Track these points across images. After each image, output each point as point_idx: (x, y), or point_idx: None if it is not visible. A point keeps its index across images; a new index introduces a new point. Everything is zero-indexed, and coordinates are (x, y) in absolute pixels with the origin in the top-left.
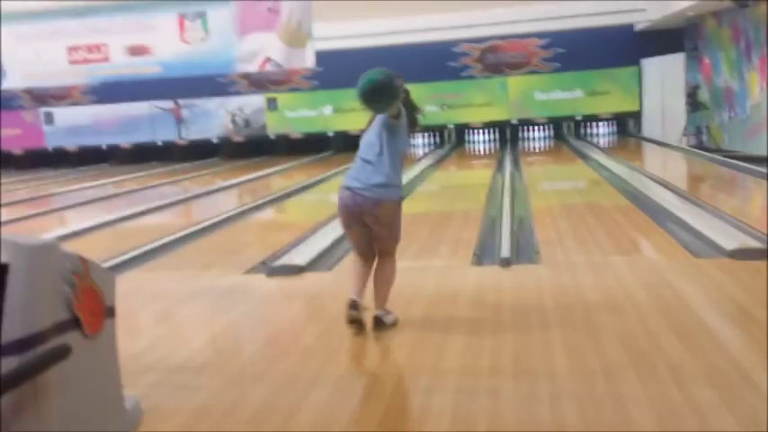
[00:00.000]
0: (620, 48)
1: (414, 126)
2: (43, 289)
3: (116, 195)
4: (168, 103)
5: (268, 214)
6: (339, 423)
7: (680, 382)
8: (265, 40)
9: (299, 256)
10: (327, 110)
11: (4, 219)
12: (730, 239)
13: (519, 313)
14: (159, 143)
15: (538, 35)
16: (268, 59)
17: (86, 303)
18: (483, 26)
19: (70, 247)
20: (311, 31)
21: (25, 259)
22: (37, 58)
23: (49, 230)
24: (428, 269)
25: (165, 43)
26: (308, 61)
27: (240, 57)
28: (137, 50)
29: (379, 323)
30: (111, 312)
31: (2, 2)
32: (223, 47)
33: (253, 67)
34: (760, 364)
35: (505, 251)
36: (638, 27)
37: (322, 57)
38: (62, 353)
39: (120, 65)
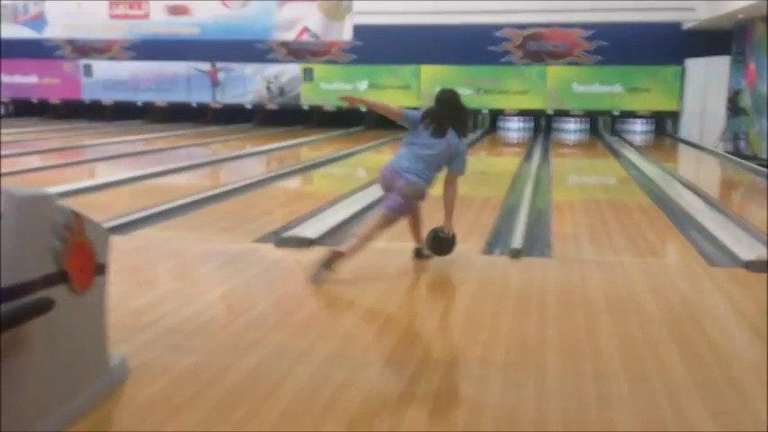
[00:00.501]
0: (666, 45)
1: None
2: (32, 240)
3: (145, 152)
4: (206, 65)
5: (291, 184)
6: (321, 399)
7: (670, 391)
8: (305, 9)
9: (311, 229)
10: (363, 85)
11: (33, 166)
12: (749, 251)
13: (519, 306)
14: (194, 104)
15: (583, 26)
16: (306, 29)
17: (76, 258)
18: (527, 12)
19: (93, 199)
20: (351, 4)
21: (16, 209)
22: (78, 9)
23: (74, 181)
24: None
25: (206, 5)
26: (346, 34)
27: (278, 24)
28: (177, 10)
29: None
30: (102, 269)
31: None
32: (262, 13)
33: (290, 36)
34: (757, 383)
35: (517, 242)
36: (686, 26)
37: (362, 31)
38: (45, 306)
39: (159, 23)
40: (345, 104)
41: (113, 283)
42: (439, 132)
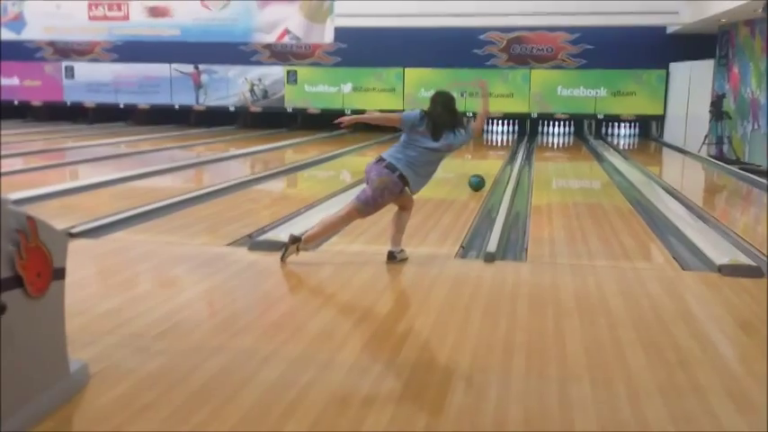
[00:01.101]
0: (650, 49)
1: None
2: None
3: (128, 155)
4: (189, 68)
5: (273, 187)
6: (284, 401)
7: (633, 395)
8: (286, 11)
9: (285, 232)
10: (347, 87)
11: (15, 168)
12: (723, 255)
13: (489, 310)
14: (176, 107)
15: (567, 29)
16: (287, 31)
17: (31, 263)
18: (512, 16)
19: (75, 201)
20: (333, 6)
21: None
22: (57, 10)
23: (56, 183)
24: (410, 257)
25: (186, 7)
26: (328, 37)
27: (259, 27)
28: (157, 12)
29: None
30: (60, 274)
31: None
32: (243, 15)
33: (271, 38)
34: (721, 387)
35: (492, 246)
36: (670, 30)
37: (346, 33)
38: None
39: (139, 25)
40: (343, 125)
41: (84, 287)
42: (437, 134)
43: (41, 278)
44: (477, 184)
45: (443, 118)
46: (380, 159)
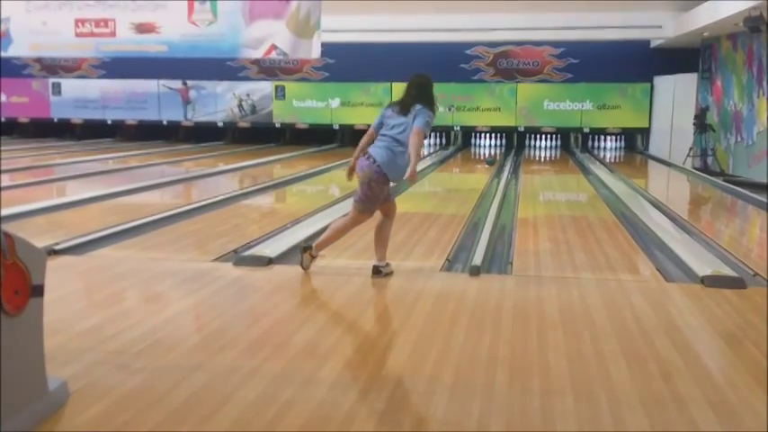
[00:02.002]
0: (634, 63)
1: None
2: None
3: (116, 171)
4: (177, 83)
5: (261, 201)
6: (264, 419)
7: (615, 407)
8: (273, 27)
9: (271, 248)
10: (335, 102)
11: (1, 185)
12: (706, 266)
13: (473, 324)
14: (165, 122)
15: (552, 44)
16: (274, 47)
17: (9, 280)
18: (498, 30)
19: (62, 217)
20: (320, 22)
21: None
22: (44, 27)
23: (41, 200)
24: (395, 271)
25: (173, 23)
26: (315, 52)
27: (246, 42)
28: (144, 28)
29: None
30: (38, 291)
31: None
32: (230, 31)
33: (258, 54)
34: (702, 398)
35: (477, 259)
36: (654, 44)
37: (334, 49)
38: None
39: (126, 41)
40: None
41: (67, 304)
42: (404, 111)
43: (19, 296)
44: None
45: (412, 95)
46: (366, 155)
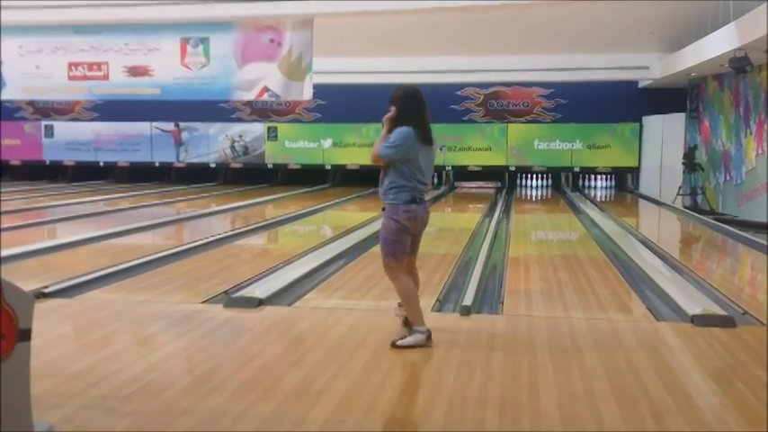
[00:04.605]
0: (623, 103)
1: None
2: None
3: (107, 213)
4: (169, 125)
5: (253, 242)
6: None
7: None
8: (265, 70)
9: (261, 289)
10: (327, 143)
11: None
12: (696, 305)
13: (463, 364)
14: (157, 164)
15: (542, 85)
16: (266, 89)
17: None
18: (487, 72)
19: (53, 259)
20: (311, 64)
21: None
22: (37, 71)
23: (32, 242)
24: (386, 312)
25: (166, 66)
26: (306, 94)
27: (238, 85)
28: (137, 71)
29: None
30: (25, 335)
31: (6, 13)
32: (222, 74)
33: (250, 96)
34: None
35: (468, 299)
36: (642, 84)
37: (325, 90)
38: None
39: (119, 84)
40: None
41: (55, 347)
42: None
43: (6, 340)
44: None
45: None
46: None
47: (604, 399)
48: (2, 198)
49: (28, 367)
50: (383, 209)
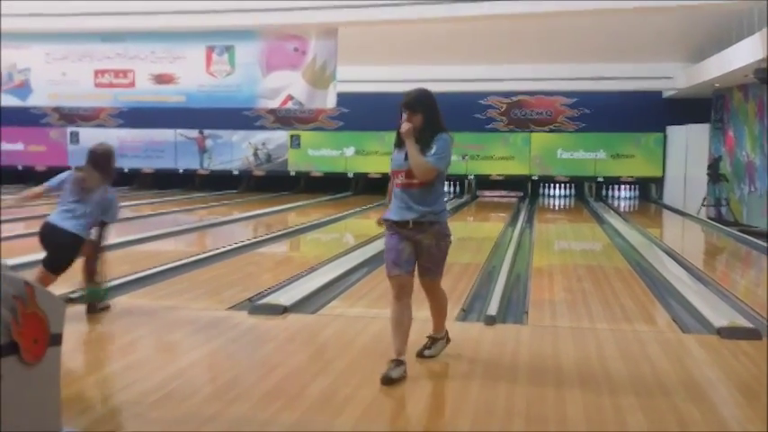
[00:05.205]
0: (647, 113)
1: None
2: None
3: (131, 219)
4: (193, 133)
5: (275, 250)
6: None
7: None
8: (289, 78)
9: (286, 296)
10: (350, 151)
11: (16, 233)
12: (722, 317)
13: (489, 374)
14: (181, 171)
15: (565, 94)
16: (290, 97)
17: (28, 329)
18: (511, 81)
19: (76, 265)
20: (335, 73)
21: None
22: (63, 77)
23: None
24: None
25: (191, 74)
26: (330, 102)
27: (263, 93)
28: (162, 79)
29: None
30: (56, 340)
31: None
32: (247, 82)
33: (274, 104)
34: None
35: (493, 309)
36: (666, 94)
37: (348, 99)
38: None
39: (144, 91)
40: None
41: (82, 353)
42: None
43: (38, 344)
44: None
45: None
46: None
47: (631, 411)
48: (26, 204)
49: (58, 372)
50: (404, 226)
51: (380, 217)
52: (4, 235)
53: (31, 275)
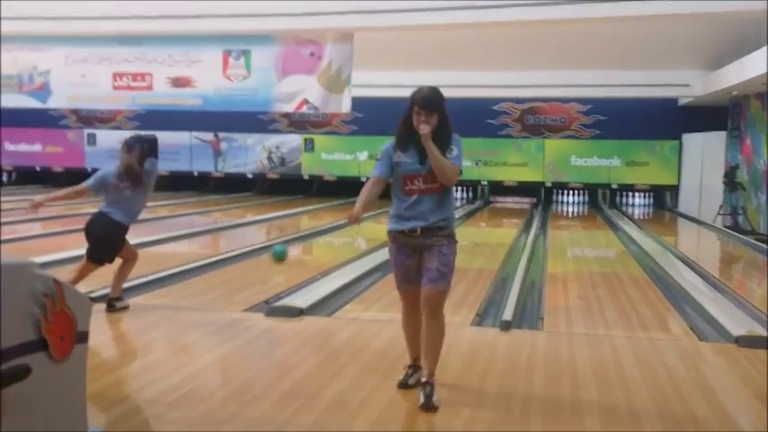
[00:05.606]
0: (662, 121)
1: None
2: (11, 308)
3: (146, 221)
4: (208, 135)
5: (289, 253)
6: None
7: None
8: (305, 82)
9: (302, 299)
10: (363, 155)
11: (34, 233)
12: (740, 326)
13: (505, 380)
14: (195, 173)
15: (580, 101)
16: (305, 101)
17: (56, 326)
18: (525, 87)
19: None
20: (350, 78)
21: None
22: (82, 80)
23: (73, 248)
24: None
25: (208, 78)
26: (345, 107)
27: (278, 97)
28: (180, 82)
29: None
30: (83, 338)
31: (54, 24)
32: (263, 86)
33: (290, 108)
34: None
35: (508, 314)
36: (682, 102)
37: (362, 103)
38: (21, 373)
39: (162, 94)
40: None
41: (100, 353)
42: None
43: (65, 341)
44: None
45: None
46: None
47: (649, 419)
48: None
49: (84, 369)
50: (405, 233)
51: (353, 214)
52: (26, 234)
53: (60, 274)
